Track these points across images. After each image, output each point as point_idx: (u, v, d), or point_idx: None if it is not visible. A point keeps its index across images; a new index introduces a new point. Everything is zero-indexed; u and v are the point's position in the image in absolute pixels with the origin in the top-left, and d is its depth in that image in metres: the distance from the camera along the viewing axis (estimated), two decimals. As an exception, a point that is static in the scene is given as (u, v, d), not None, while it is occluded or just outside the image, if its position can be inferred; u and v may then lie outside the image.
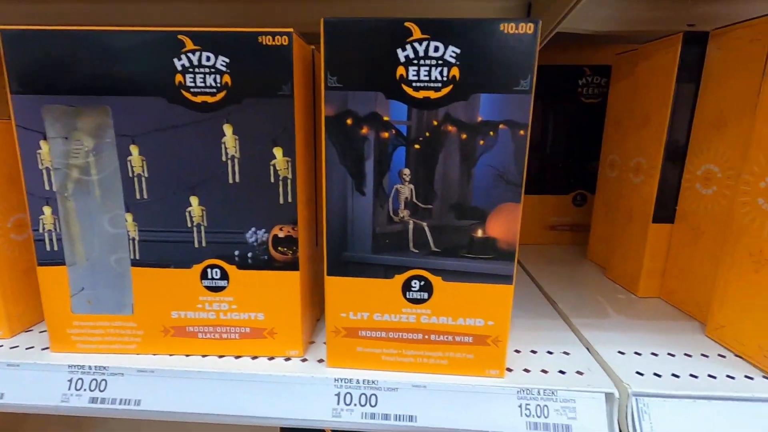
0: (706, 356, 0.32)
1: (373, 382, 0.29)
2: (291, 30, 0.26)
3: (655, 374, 0.29)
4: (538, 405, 0.28)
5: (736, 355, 0.32)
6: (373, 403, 0.28)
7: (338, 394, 0.29)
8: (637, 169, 0.43)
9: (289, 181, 0.28)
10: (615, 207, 0.47)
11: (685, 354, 0.32)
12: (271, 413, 0.29)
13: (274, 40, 0.26)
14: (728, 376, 0.29)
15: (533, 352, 0.32)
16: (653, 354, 0.32)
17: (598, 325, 0.37)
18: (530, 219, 0.60)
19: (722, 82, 0.35)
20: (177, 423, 0.33)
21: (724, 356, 0.32)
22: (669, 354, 0.32)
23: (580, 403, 0.28)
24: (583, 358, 0.32)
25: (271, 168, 0.28)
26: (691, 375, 0.30)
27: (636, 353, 0.32)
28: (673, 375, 0.29)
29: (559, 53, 0.60)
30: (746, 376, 0.29)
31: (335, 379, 0.29)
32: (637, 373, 0.30)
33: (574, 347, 0.33)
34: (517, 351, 0.33)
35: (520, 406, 0.28)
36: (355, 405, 0.28)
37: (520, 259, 0.54)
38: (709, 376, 0.29)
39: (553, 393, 0.28)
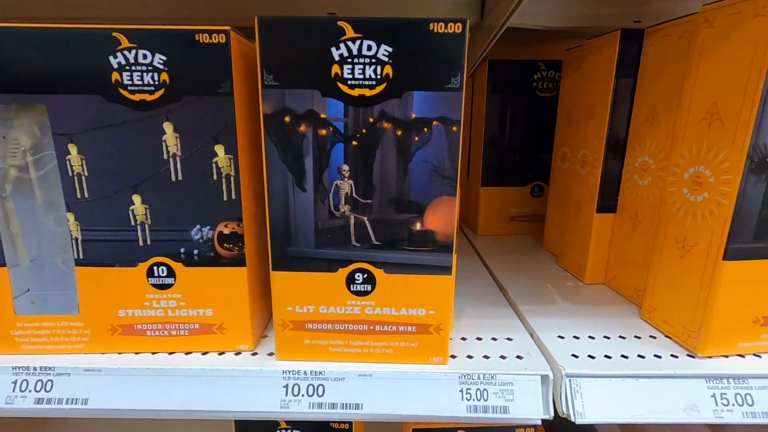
0: (639, 338, 0.34)
1: (320, 372, 0.29)
2: (228, 28, 0.26)
3: (590, 356, 0.31)
4: (479, 389, 0.29)
5: (666, 336, 0.34)
6: (320, 393, 0.29)
7: (286, 386, 0.29)
8: (583, 161, 0.44)
9: (232, 179, 0.28)
10: (566, 198, 0.49)
11: (620, 336, 0.34)
12: (221, 407, 0.29)
13: (211, 38, 0.26)
14: (656, 355, 0.31)
15: (478, 339, 0.34)
16: (590, 337, 0.34)
17: (543, 311, 0.38)
18: (490, 211, 0.62)
19: (655, 78, 0.37)
20: (145, 421, 0.33)
21: (654, 337, 0.34)
22: (605, 337, 0.34)
23: (518, 385, 0.29)
24: (525, 344, 0.33)
25: (214, 165, 0.28)
26: (623, 356, 0.31)
27: (575, 337, 0.34)
28: (606, 356, 0.31)
29: (515, 48, 0.61)
30: (672, 355, 0.31)
31: (283, 372, 0.29)
32: (573, 355, 0.31)
33: (518, 333, 0.35)
34: (463, 338, 0.34)
35: (461, 391, 0.29)
36: (303, 396, 0.29)
37: (479, 250, 0.56)
38: (639, 356, 0.31)
39: (492, 377, 0.29)
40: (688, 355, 0.31)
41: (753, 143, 0.26)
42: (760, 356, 0.31)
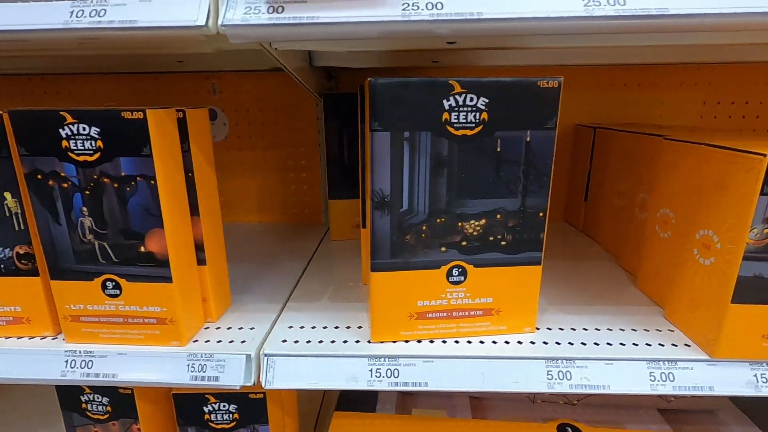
0: (349, 327, 0.44)
1: (90, 352, 0.41)
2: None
3: (295, 341, 0.42)
4: (201, 364, 0.40)
5: (358, 327, 0.44)
6: (90, 367, 0.41)
7: (67, 361, 0.41)
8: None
9: (19, 215, 0.40)
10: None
11: (335, 327, 0.45)
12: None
13: (-10, 120, 0.37)
14: (344, 341, 0.42)
15: (228, 328, 0.45)
16: (313, 327, 0.45)
17: (309, 306, 0.49)
18: (338, 219, 0.72)
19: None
20: None
21: (349, 327, 0.44)
22: (324, 327, 0.45)
23: (229, 362, 0.40)
24: (258, 332, 0.44)
25: (6, 206, 0.40)
26: (319, 341, 0.42)
27: (301, 327, 0.45)
28: (307, 341, 0.42)
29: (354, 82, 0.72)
30: (356, 341, 0.42)
31: (65, 351, 0.41)
32: (282, 341, 0.42)
33: (263, 324, 0.46)
34: (218, 328, 0.45)
35: (187, 365, 0.40)
36: (78, 368, 0.41)
37: (328, 252, 0.66)
38: (331, 341, 0.42)
39: (211, 356, 0.41)
40: (358, 341, 0.42)
41: (370, 189, 0.36)
42: (419, 341, 0.41)
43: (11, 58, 0.66)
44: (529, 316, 0.42)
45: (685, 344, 0.41)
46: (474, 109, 0.36)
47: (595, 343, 0.41)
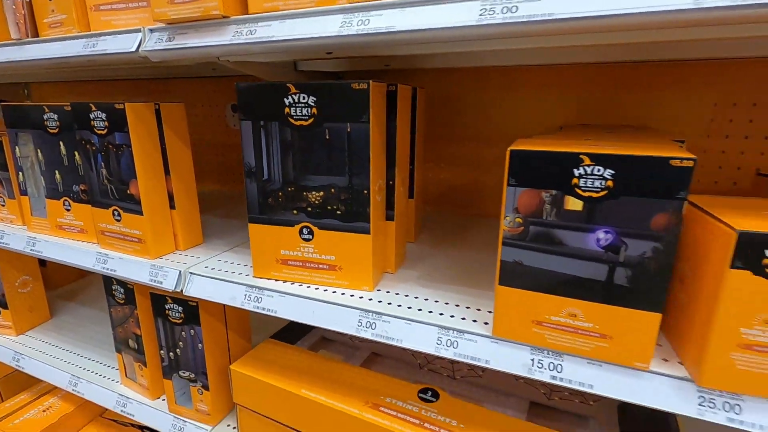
0: (247, 265, 0.59)
1: (105, 254, 0.65)
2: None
3: (212, 268, 0.59)
4: (155, 272, 0.61)
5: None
6: (105, 262, 0.65)
7: (97, 257, 0.66)
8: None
9: (80, 166, 0.66)
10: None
11: (245, 264, 0.60)
12: None
13: None
14: (239, 273, 0.57)
15: (187, 255, 0.65)
16: (231, 263, 0.61)
17: (242, 251, 0.66)
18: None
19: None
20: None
21: (247, 265, 0.59)
22: (235, 263, 0.61)
23: (170, 273, 0.60)
24: (199, 260, 0.63)
25: (75, 161, 0.66)
26: (226, 271, 0.58)
27: (225, 261, 0.62)
28: (219, 270, 0.59)
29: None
30: (247, 275, 0.57)
31: (97, 252, 0.66)
32: (205, 267, 0.60)
33: (206, 256, 0.64)
34: (181, 254, 0.65)
35: (149, 272, 0.61)
36: (99, 263, 0.66)
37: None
38: (232, 272, 0.58)
39: (161, 267, 0.60)
40: (248, 275, 0.56)
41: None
42: (284, 282, 0.54)
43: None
44: (365, 277, 0.51)
45: (485, 323, 0.45)
46: (306, 105, 0.47)
47: (408, 307, 0.48)
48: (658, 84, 0.69)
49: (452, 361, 0.64)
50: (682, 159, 0.32)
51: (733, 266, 0.31)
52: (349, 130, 0.46)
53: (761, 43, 0.59)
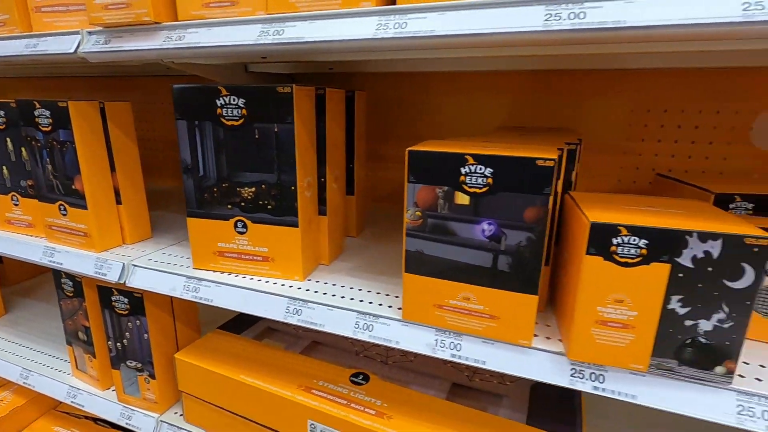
0: (188, 258, 0.62)
1: (52, 247, 0.67)
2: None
3: (155, 261, 0.62)
4: (101, 264, 0.63)
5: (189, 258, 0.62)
6: (52, 255, 0.67)
7: (44, 251, 0.68)
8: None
9: (27, 162, 0.67)
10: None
11: (187, 258, 0.63)
12: None
13: None
14: (180, 265, 0.60)
15: (133, 249, 0.67)
16: (175, 255, 0.64)
17: (186, 244, 0.69)
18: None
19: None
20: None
21: (188, 258, 0.62)
22: (179, 256, 0.63)
23: (114, 266, 0.62)
24: (144, 253, 0.65)
25: (21, 156, 0.67)
26: (167, 263, 0.61)
27: (169, 254, 0.64)
28: (162, 262, 0.61)
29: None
30: (188, 267, 0.60)
31: (44, 246, 0.68)
32: (149, 260, 0.62)
33: (151, 250, 0.67)
34: (127, 248, 0.67)
35: (94, 264, 0.63)
36: (47, 257, 0.67)
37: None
38: (174, 264, 0.61)
39: (106, 260, 0.63)
40: (188, 267, 0.59)
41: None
42: (222, 273, 0.57)
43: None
44: (295, 268, 0.55)
45: (399, 308, 0.49)
46: (237, 107, 0.50)
47: (333, 295, 0.52)
48: (584, 91, 0.75)
49: (387, 348, 0.69)
50: (545, 159, 0.36)
51: (588, 252, 0.36)
52: (276, 130, 0.50)
53: (667, 57, 0.65)
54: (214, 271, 0.58)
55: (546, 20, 0.34)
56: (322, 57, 0.63)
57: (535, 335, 0.44)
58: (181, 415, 0.70)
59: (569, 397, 0.58)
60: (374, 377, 0.60)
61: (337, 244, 0.64)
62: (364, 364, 0.64)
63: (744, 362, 0.40)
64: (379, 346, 0.69)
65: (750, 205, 0.48)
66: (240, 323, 0.76)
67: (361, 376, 0.60)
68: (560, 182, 0.45)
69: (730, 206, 0.48)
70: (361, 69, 0.77)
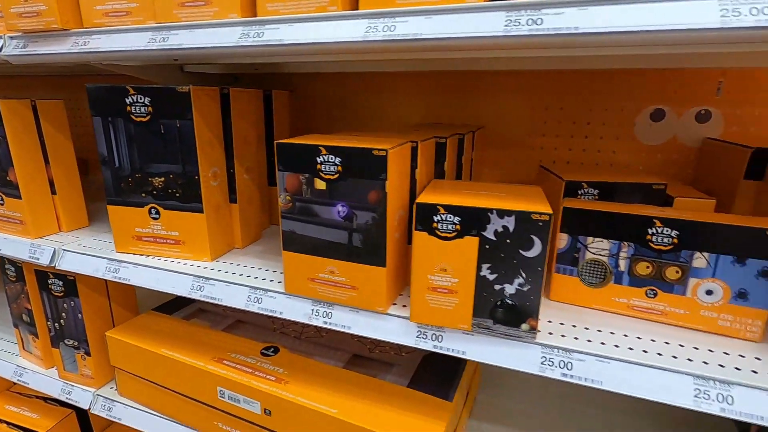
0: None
1: (-6, 235, 0.73)
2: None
3: (85, 246, 0.68)
4: (34, 249, 0.69)
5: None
6: (-8, 243, 0.72)
7: (-16, 239, 0.73)
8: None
9: None
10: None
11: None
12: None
13: (-45, 103, 0.71)
14: (106, 249, 0.66)
15: (68, 236, 0.73)
16: (104, 241, 0.70)
17: (125, 233, 0.74)
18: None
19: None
20: None
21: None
22: (107, 242, 0.69)
23: (46, 250, 0.68)
24: (77, 239, 0.71)
25: (-36, 150, 0.73)
26: (95, 248, 0.67)
27: (99, 240, 0.70)
28: (89, 247, 0.67)
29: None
30: (112, 250, 0.66)
31: (-15, 233, 0.74)
32: (79, 245, 0.68)
33: (84, 237, 0.72)
34: (62, 235, 0.73)
35: (28, 249, 0.69)
36: (-13, 243, 0.73)
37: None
38: (101, 249, 0.66)
39: (39, 245, 0.68)
40: (112, 250, 0.65)
41: (96, 151, 0.60)
42: (142, 255, 0.63)
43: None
44: (204, 250, 0.61)
45: (287, 283, 0.55)
46: (144, 104, 0.56)
47: (233, 273, 0.58)
48: (493, 90, 0.81)
49: (304, 325, 0.75)
50: (380, 150, 0.43)
51: (416, 229, 0.43)
52: (178, 125, 0.56)
53: (565, 60, 0.72)
54: (134, 254, 0.64)
55: (506, 26, 0.38)
56: (206, 60, 0.69)
57: (395, 304, 0.50)
58: (114, 389, 0.76)
59: (453, 367, 0.64)
60: (284, 350, 0.67)
61: (251, 230, 0.70)
62: (278, 339, 0.71)
63: (548, 320, 0.46)
64: (296, 323, 0.76)
65: (595, 191, 0.55)
66: (174, 305, 0.82)
67: (272, 349, 0.67)
68: (419, 171, 0.51)
69: (579, 192, 0.55)
70: (285, 69, 0.83)
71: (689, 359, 0.40)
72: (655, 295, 0.46)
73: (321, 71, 0.86)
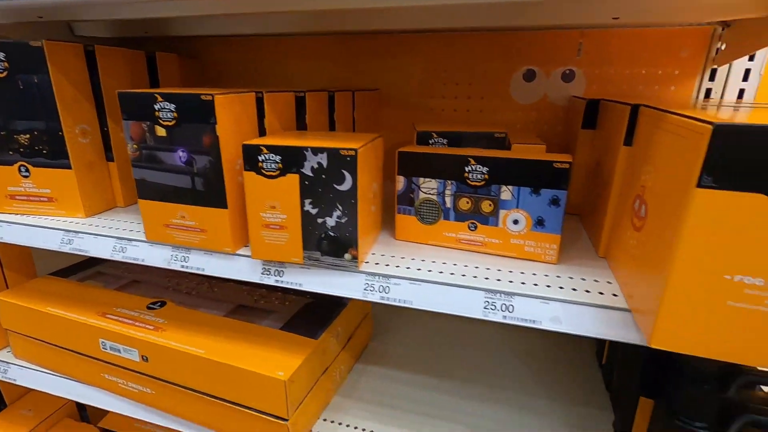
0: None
1: None
2: None
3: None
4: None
5: None
6: None
7: None
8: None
9: None
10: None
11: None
12: None
13: None
14: None
15: None
16: None
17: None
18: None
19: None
20: None
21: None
22: None
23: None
24: None
25: None
26: (-25, 210, 0.67)
27: None
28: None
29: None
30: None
31: None
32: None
33: None
34: None
35: None
36: None
37: None
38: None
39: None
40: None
41: None
42: (18, 215, 0.64)
43: None
44: (76, 206, 0.62)
45: (152, 233, 0.57)
46: (0, 60, 0.56)
47: (104, 227, 0.60)
48: (388, 53, 0.84)
49: (198, 282, 0.77)
50: (206, 95, 0.45)
51: (245, 169, 0.46)
52: (36, 81, 0.56)
53: (455, 16, 0.74)
54: (9, 214, 0.65)
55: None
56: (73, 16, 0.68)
57: (247, 245, 0.53)
58: (9, 351, 0.77)
59: (328, 313, 0.68)
60: (171, 303, 0.69)
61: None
62: (170, 294, 0.73)
63: (381, 254, 0.51)
64: (189, 279, 0.78)
65: (444, 140, 0.59)
66: (73, 270, 0.83)
67: (159, 304, 0.69)
68: (268, 120, 0.54)
69: (430, 141, 0.59)
70: (177, 32, 0.83)
71: (486, 278, 0.45)
72: (476, 228, 0.50)
73: (219, 34, 0.87)
